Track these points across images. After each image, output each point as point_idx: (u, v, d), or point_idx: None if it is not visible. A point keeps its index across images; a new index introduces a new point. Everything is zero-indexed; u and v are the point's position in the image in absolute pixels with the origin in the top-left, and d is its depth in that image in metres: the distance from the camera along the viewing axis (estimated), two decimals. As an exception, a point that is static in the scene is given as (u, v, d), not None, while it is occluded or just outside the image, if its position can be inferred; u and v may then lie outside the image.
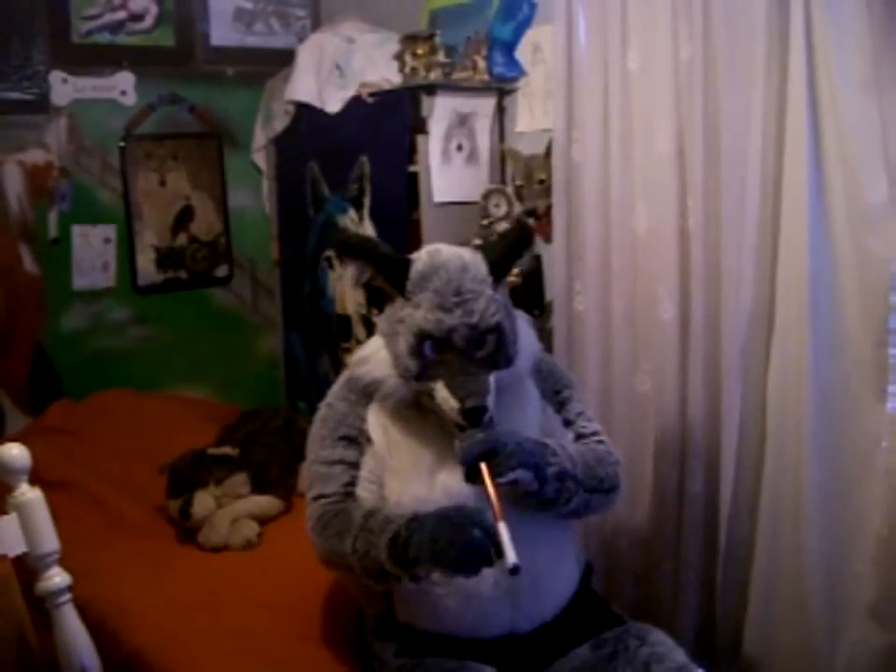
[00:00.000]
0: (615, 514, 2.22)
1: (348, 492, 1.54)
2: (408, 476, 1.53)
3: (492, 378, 1.48)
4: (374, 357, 1.56)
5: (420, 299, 1.50)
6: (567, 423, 1.67)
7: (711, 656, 2.11)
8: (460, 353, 1.47)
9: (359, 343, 2.81)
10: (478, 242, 2.28)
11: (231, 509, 2.30)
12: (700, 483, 2.10)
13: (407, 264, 1.54)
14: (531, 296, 2.40)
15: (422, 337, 1.47)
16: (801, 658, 1.95)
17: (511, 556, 1.29)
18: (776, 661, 2.01)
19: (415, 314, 1.49)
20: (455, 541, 1.32)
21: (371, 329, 2.74)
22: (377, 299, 1.63)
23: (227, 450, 2.43)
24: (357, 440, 1.57)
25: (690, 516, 2.12)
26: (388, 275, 1.54)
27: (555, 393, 1.68)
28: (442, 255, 1.55)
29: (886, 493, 1.81)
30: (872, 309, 1.80)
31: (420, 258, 1.56)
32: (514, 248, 1.61)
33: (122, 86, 2.98)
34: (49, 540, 1.46)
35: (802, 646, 1.94)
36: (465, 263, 1.53)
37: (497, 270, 1.56)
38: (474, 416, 1.43)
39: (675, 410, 2.13)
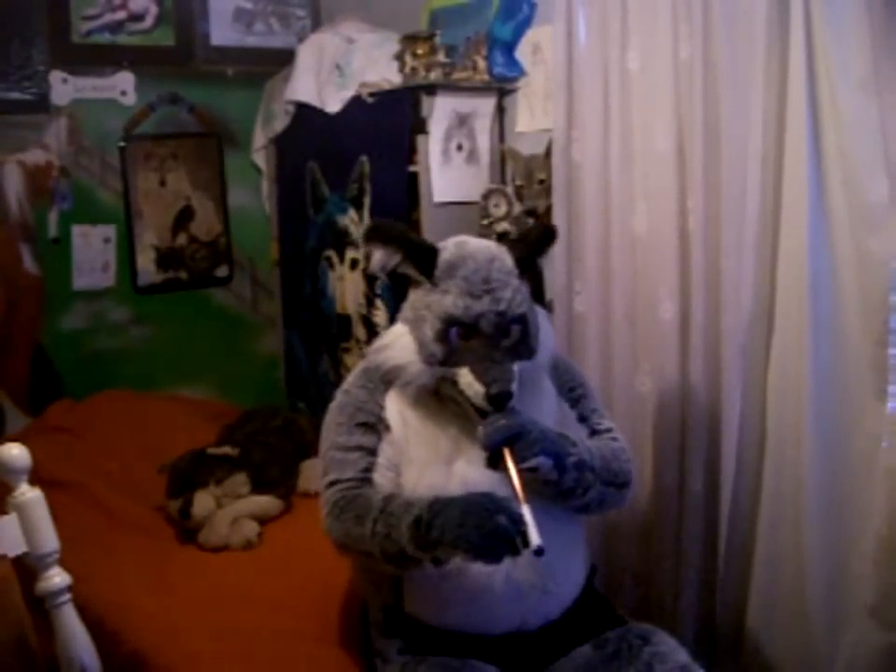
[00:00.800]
0: (615, 513, 2.22)
1: (365, 478, 1.54)
2: (425, 464, 1.53)
3: (516, 367, 1.49)
4: (396, 344, 1.56)
5: (448, 285, 1.51)
6: (582, 419, 1.68)
7: (711, 656, 2.11)
8: (486, 340, 1.48)
9: (359, 342, 2.81)
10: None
11: (231, 509, 2.30)
12: (700, 483, 2.10)
13: (435, 252, 1.56)
14: (531, 296, 2.39)
15: (450, 322, 1.48)
16: (801, 658, 1.95)
17: (535, 538, 1.30)
18: (776, 661, 2.01)
19: (443, 299, 1.50)
20: (482, 526, 1.32)
21: (371, 329, 2.75)
22: (398, 288, 1.63)
23: (227, 450, 2.43)
24: (375, 426, 1.57)
25: (690, 516, 2.12)
26: (416, 262, 1.55)
27: (570, 390, 1.69)
28: (470, 245, 1.58)
29: (886, 493, 1.81)
30: (872, 309, 1.80)
31: (447, 246, 1.58)
32: (538, 244, 1.64)
33: (122, 86, 2.98)
34: (49, 540, 1.46)
35: (802, 646, 1.94)
36: (493, 254, 1.56)
37: (522, 264, 1.58)
38: (499, 402, 1.44)
39: (675, 409, 2.14)
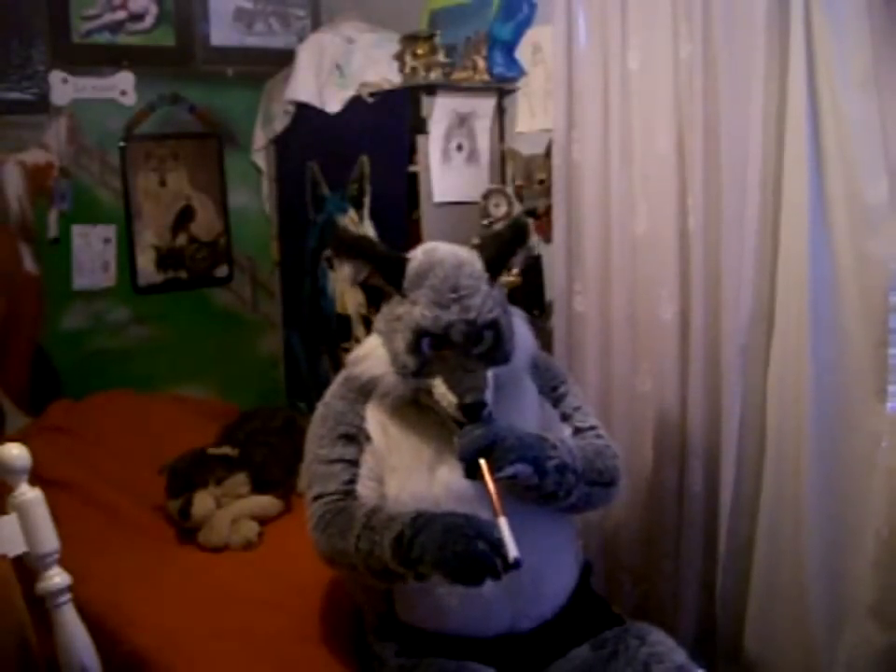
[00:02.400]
0: (615, 514, 2.22)
1: (349, 490, 1.54)
2: (407, 473, 1.54)
3: (490, 374, 1.48)
4: (372, 355, 1.56)
5: (417, 296, 1.51)
6: (565, 417, 1.67)
7: (711, 656, 2.11)
8: (458, 349, 1.48)
9: (359, 342, 2.80)
10: (476, 241, 2.28)
11: (230, 509, 2.30)
12: (700, 483, 2.10)
13: (403, 262, 1.56)
14: (531, 296, 2.40)
15: (420, 334, 1.48)
16: (801, 658, 1.95)
17: (512, 550, 1.30)
18: (776, 661, 2.01)
19: (413, 311, 1.50)
20: (461, 552, 1.32)
21: (370, 329, 2.74)
22: (374, 298, 1.65)
23: (227, 450, 2.43)
24: (357, 438, 1.57)
25: (690, 516, 2.12)
26: (385, 274, 1.55)
27: (552, 388, 1.69)
28: (438, 252, 1.57)
29: (886, 493, 1.81)
30: (872, 309, 1.80)
31: (416, 255, 1.57)
32: (509, 245, 1.63)
33: (122, 86, 2.98)
34: (49, 540, 1.46)
35: (802, 646, 1.94)
36: (461, 260, 1.55)
37: (493, 267, 1.57)
38: (473, 412, 1.44)
39: (675, 410, 2.13)
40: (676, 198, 2.07)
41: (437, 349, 1.49)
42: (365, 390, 1.58)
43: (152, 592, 1.99)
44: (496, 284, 1.57)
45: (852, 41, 1.75)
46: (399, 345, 1.50)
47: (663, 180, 2.09)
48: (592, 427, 1.68)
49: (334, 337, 2.97)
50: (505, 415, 1.50)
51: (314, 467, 1.59)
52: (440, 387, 1.46)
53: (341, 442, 1.57)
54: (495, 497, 1.37)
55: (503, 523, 1.33)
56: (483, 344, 1.50)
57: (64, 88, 2.86)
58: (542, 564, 1.52)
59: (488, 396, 1.46)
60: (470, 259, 1.56)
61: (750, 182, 1.90)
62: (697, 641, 2.12)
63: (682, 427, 2.14)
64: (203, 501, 2.27)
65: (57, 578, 1.47)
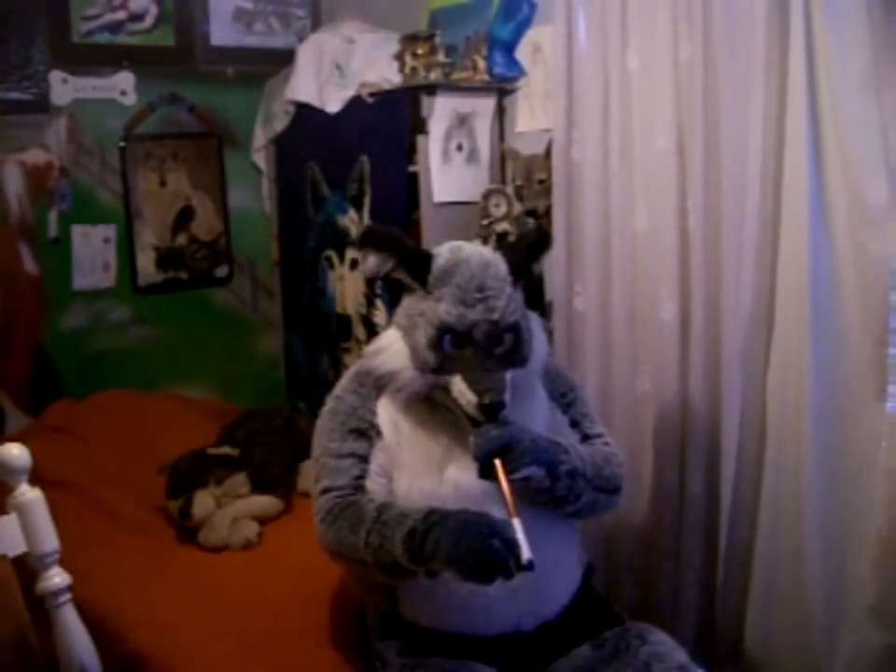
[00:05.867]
0: (615, 514, 2.21)
1: (358, 485, 1.54)
2: (417, 470, 1.53)
3: (508, 375, 1.49)
4: (389, 349, 1.55)
5: (442, 293, 1.51)
6: (574, 424, 1.68)
7: (711, 657, 2.11)
8: (479, 349, 1.48)
9: (359, 342, 2.81)
10: (477, 242, 2.28)
11: (231, 509, 2.30)
12: (700, 484, 2.10)
13: (429, 258, 1.56)
14: (531, 296, 2.39)
15: (443, 330, 1.48)
16: (801, 658, 1.95)
17: (525, 552, 1.30)
18: (776, 661, 2.01)
19: (437, 307, 1.50)
20: (475, 549, 1.32)
21: (371, 329, 2.75)
22: (392, 292, 1.64)
23: (227, 450, 2.43)
24: (367, 433, 1.57)
25: (690, 517, 2.12)
26: (410, 268, 1.55)
27: (562, 395, 1.69)
28: (465, 251, 1.57)
29: (886, 493, 1.81)
30: (872, 309, 1.80)
31: (442, 253, 1.57)
32: (533, 250, 1.65)
33: (122, 86, 2.98)
34: (49, 540, 1.46)
35: (802, 646, 1.94)
36: (487, 261, 1.55)
37: (516, 270, 1.58)
38: (492, 412, 1.44)
39: (675, 410, 2.13)
40: (676, 198, 2.07)
41: (458, 347, 1.48)
42: (379, 384, 1.57)
43: (152, 592, 1.99)
44: (517, 287, 1.58)
45: (852, 42, 1.75)
46: (420, 340, 1.50)
47: (663, 180, 2.09)
48: (599, 435, 1.69)
49: (334, 337, 2.97)
50: (517, 418, 1.50)
51: (323, 460, 1.58)
52: (458, 385, 1.46)
53: (351, 437, 1.57)
54: (509, 497, 1.37)
55: (517, 524, 1.33)
56: (504, 346, 1.50)
57: (64, 88, 2.86)
58: (548, 565, 1.51)
59: (507, 397, 1.46)
60: (496, 260, 1.56)
61: (750, 182, 1.90)
62: (697, 641, 2.12)
63: (682, 427, 2.14)
64: (203, 501, 2.27)
65: (57, 578, 1.47)
